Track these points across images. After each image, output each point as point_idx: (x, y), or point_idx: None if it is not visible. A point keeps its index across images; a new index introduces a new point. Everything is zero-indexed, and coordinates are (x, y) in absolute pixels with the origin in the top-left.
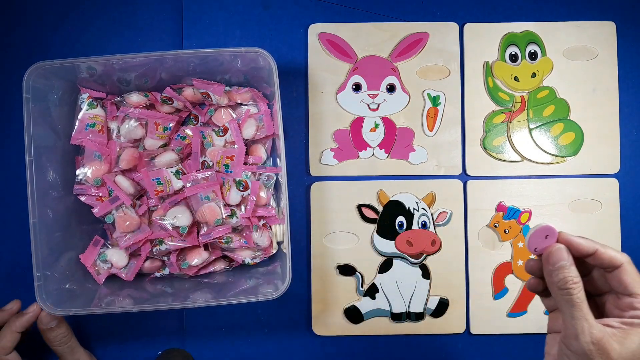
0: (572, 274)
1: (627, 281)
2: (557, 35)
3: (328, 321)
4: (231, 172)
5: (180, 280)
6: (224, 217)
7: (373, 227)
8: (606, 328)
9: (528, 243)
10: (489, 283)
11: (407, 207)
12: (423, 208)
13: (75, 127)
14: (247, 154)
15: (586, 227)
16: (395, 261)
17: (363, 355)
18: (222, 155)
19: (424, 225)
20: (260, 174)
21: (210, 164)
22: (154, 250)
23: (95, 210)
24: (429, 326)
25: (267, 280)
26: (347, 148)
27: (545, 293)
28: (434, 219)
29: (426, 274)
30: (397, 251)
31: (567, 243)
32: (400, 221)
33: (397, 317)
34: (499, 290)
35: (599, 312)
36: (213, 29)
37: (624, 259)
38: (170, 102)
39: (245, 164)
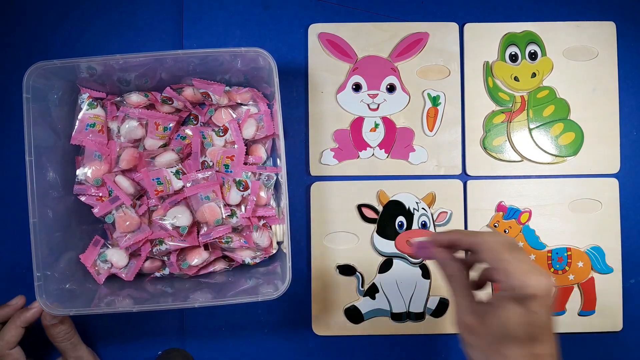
0: (446, 268)
1: (483, 258)
2: (557, 35)
3: (328, 321)
4: (231, 172)
5: (180, 280)
6: (224, 217)
7: (373, 227)
8: (475, 307)
9: (417, 256)
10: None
11: (407, 207)
12: (423, 208)
13: (75, 127)
14: (247, 154)
15: (586, 227)
16: (395, 261)
17: (363, 355)
18: (222, 155)
19: (424, 225)
20: (260, 174)
21: (210, 164)
22: (154, 250)
23: (95, 210)
24: (429, 326)
25: (267, 280)
26: (347, 148)
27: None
28: (434, 219)
29: (426, 274)
30: (397, 251)
31: (438, 244)
32: (400, 221)
33: (397, 317)
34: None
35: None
36: (213, 29)
37: (477, 238)
38: (170, 102)
39: (245, 164)
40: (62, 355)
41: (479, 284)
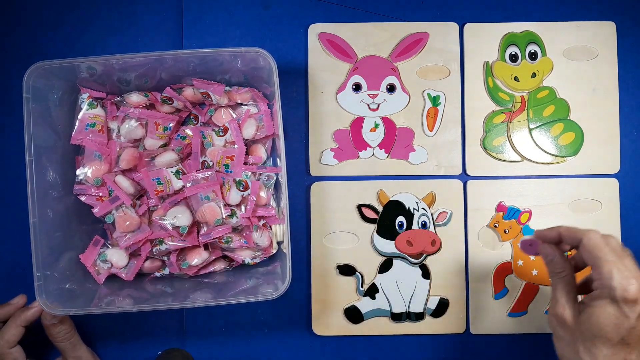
0: (553, 266)
1: (585, 256)
2: (557, 35)
3: (328, 321)
4: (231, 172)
5: (180, 280)
6: (224, 217)
7: (373, 227)
8: (573, 304)
9: (524, 253)
10: (489, 283)
11: (407, 207)
12: (423, 208)
13: (75, 127)
14: (247, 154)
15: (586, 227)
16: (395, 261)
17: (363, 355)
18: (222, 155)
19: (424, 225)
20: (260, 174)
21: (210, 164)
22: (154, 250)
23: (95, 210)
24: (429, 326)
25: (267, 280)
26: (347, 148)
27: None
28: (434, 219)
29: (426, 274)
30: (397, 251)
31: (544, 239)
32: (400, 221)
33: (397, 317)
34: (499, 290)
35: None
36: (213, 29)
37: (584, 235)
38: (170, 102)
39: (245, 164)
40: (61, 355)
41: (582, 288)
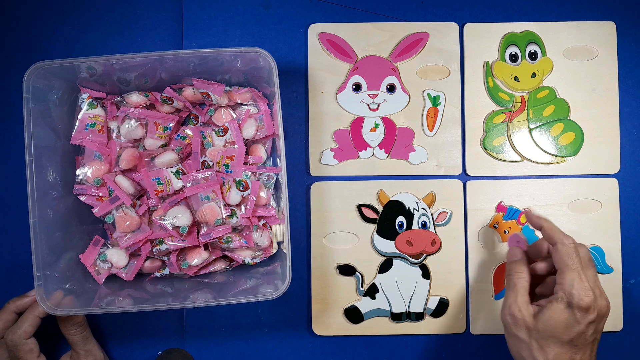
0: (516, 266)
1: (555, 259)
2: (557, 35)
3: (328, 321)
4: (231, 172)
5: (180, 280)
6: (224, 217)
7: (373, 227)
8: (527, 306)
9: (509, 244)
10: (489, 283)
11: (407, 207)
12: (423, 208)
13: (75, 127)
14: (247, 154)
15: (586, 227)
16: (395, 261)
17: (363, 355)
18: (222, 155)
19: (424, 225)
20: (260, 174)
21: (210, 164)
22: (154, 250)
23: (95, 210)
24: (429, 326)
25: (267, 280)
26: (347, 148)
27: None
28: (434, 219)
29: (426, 274)
30: (397, 251)
31: (529, 221)
32: (400, 221)
33: (397, 317)
34: (499, 291)
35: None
36: (213, 29)
37: (559, 240)
38: (170, 102)
39: (245, 164)
40: (72, 348)
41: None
